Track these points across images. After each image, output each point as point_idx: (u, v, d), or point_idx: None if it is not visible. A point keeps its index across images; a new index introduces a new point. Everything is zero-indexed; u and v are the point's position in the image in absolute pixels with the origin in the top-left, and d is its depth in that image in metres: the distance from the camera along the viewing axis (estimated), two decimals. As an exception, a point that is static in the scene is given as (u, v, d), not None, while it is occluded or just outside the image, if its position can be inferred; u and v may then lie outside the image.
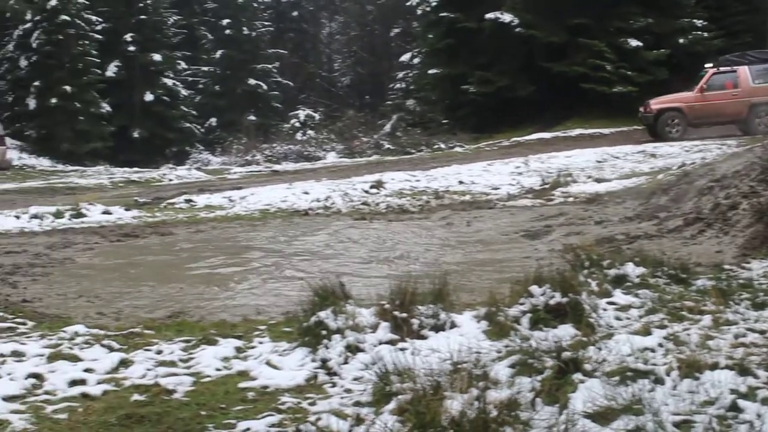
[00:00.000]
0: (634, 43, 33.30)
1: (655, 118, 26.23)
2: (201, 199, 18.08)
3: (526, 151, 25.38)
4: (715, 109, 25.71)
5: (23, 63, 40.25)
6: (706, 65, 27.44)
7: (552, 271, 7.33)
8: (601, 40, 32.79)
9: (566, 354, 5.38)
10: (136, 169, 32.84)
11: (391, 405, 5.00)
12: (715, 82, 26.19)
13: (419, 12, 41.76)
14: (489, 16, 33.91)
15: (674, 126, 26.09)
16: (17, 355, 6.75)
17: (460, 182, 18.40)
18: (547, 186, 17.07)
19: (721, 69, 26.32)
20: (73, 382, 6.09)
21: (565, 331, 6.26)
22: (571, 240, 10.99)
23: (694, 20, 34.80)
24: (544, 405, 4.92)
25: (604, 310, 6.98)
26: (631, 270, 7.96)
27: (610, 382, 5.07)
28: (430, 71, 38.82)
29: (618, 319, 6.86)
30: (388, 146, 33.44)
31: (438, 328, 6.67)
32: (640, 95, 32.25)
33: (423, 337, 6.50)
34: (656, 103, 26.55)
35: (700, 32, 34.62)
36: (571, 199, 15.48)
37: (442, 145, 32.28)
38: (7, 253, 12.05)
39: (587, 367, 5.30)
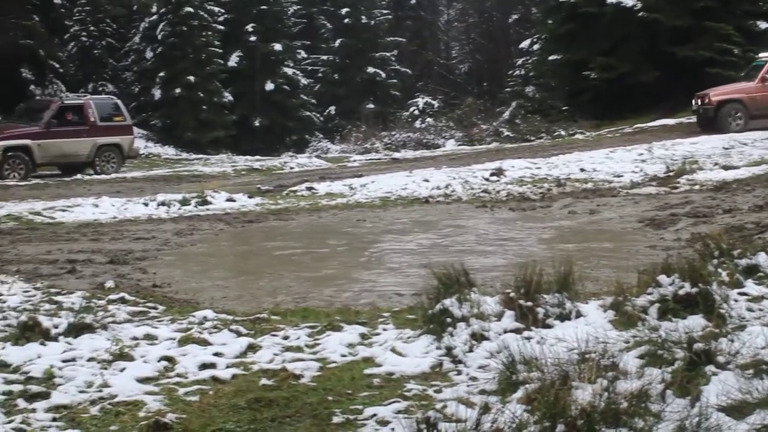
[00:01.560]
0: (763, 25, 32.27)
1: (715, 111, 25.13)
2: (322, 187, 18.27)
3: (649, 137, 24.87)
4: None
5: (149, 54, 41.32)
6: (761, 54, 26.39)
7: (680, 261, 7.16)
8: (728, 23, 31.88)
9: (698, 345, 5.25)
10: (257, 157, 33.38)
11: (518, 394, 4.97)
12: None
13: (538, -2, 41.43)
14: (611, 0, 33.32)
15: (736, 119, 25.03)
16: (150, 338, 6.96)
17: (582, 170, 18.15)
18: (671, 173, 16.69)
19: None
20: (203, 366, 6.24)
21: (696, 322, 6.11)
22: (698, 229, 10.74)
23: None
24: (675, 397, 4.82)
25: (736, 301, 6.79)
26: (764, 260, 7.73)
27: (744, 375, 4.94)
28: (550, 57, 38.37)
29: (750, 310, 6.68)
30: (507, 133, 33.22)
31: (563, 317, 6.61)
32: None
33: (548, 326, 6.45)
34: (716, 95, 25.42)
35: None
36: (697, 187, 15.12)
37: (563, 132, 31.90)
38: (136, 239, 12.40)
39: (720, 359, 5.17)
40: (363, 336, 6.87)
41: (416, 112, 40.88)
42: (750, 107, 25.01)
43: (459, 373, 5.91)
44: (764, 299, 6.88)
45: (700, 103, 25.92)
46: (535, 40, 45.02)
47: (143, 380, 5.94)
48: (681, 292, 6.58)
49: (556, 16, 37.77)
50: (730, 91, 25.58)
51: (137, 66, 42.67)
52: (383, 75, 49.75)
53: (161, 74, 40.17)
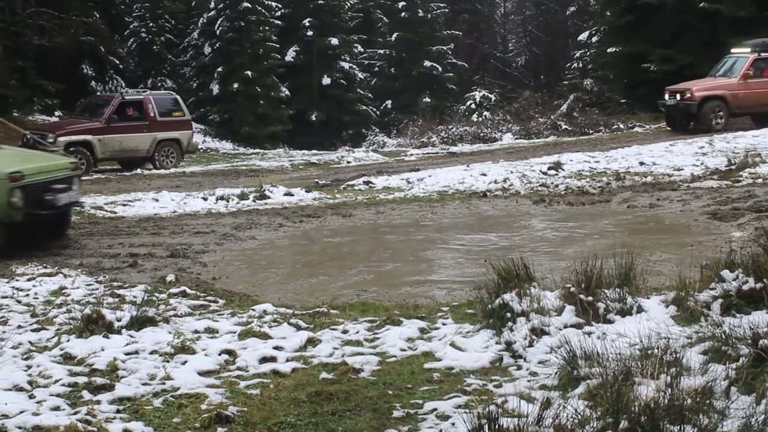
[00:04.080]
0: (826, 14, 31.66)
1: (698, 107, 24.33)
2: (379, 181, 18.27)
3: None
4: (756, 97, 23.97)
5: (207, 50, 41.66)
6: (734, 50, 25.64)
7: (744, 256, 7.05)
8: (791, 13, 31.32)
9: (763, 341, 5.17)
10: (314, 151, 33.49)
11: (580, 389, 4.94)
12: (756, 69, 24.39)
13: (597, -10, 41.02)
14: (671, -9, 32.91)
15: (718, 116, 24.27)
16: (210, 331, 7.04)
17: (641, 163, 17.93)
18: (733, 167, 16.42)
19: (762, 54, 24.46)
20: (264, 359, 6.31)
21: (761, 318, 5.99)
22: (762, 223, 10.56)
23: None
24: (740, 394, 4.75)
25: (802, 296, 6.67)
26: (831, 254, 7.58)
27: (811, 372, 4.85)
28: (608, 50, 37.96)
29: (817, 305, 6.55)
30: (565, 127, 32.94)
31: (624, 313, 6.56)
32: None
33: (609, 321, 6.40)
34: (699, 90, 24.57)
35: None
36: (760, 181, 14.86)
37: (621, 125, 31.57)
38: (196, 233, 12.52)
39: (786, 355, 5.09)
40: (422, 330, 6.88)
41: (473, 105, 40.69)
42: (732, 104, 24.33)
43: (519, 368, 5.89)
44: (831, 295, 6.74)
45: (679, 98, 25.08)
46: (593, 32, 44.61)
47: (204, 373, 6.02)
48: (745, 287, 6.48)
49: (615, 8, 37.36)
50: (712, 87, 24.81)
51: (195, 61, 43.05)
52: (440, 69, 49.65)
53: (219, 69, 40.47)
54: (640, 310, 6.63)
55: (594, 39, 43.90)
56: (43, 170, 11.48)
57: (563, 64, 51.44)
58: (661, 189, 14.88)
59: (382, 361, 6.18)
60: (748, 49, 25.07)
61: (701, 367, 5.14)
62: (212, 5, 41.39)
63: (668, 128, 26.60)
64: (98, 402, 5.49)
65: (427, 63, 49.12)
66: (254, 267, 10.38)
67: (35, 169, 11.34)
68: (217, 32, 40.80)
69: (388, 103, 48.32)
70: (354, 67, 45.99)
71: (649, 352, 5.24)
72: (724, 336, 5.53)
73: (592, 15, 46.45)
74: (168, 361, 6.23)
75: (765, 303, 6.32)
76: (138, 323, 6.97)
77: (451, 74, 50.84)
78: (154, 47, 42.75)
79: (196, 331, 6.98)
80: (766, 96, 24.06)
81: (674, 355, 5.19)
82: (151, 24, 42.96)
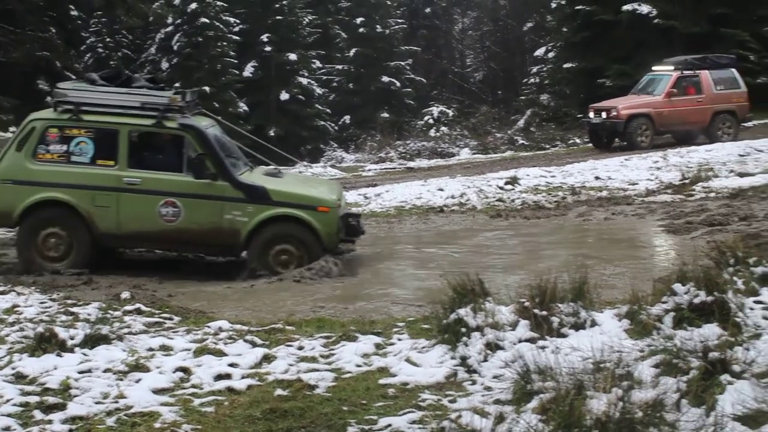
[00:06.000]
0: (778, 31, 32.18)
1: (624, 125, 24.19)
2: (337, 197, 18.24)
3: (662, 145, 24.75)
4: (681, 116, 24.10)
5: (165, 65, 41.46)
6: (656, 67, 25.91)
7: (696, 269, 7.14)
8: (744, 30, 31.75)
9: (713, 354, 5.25)
10: (272, 167, 33.36)
11: (533, 404, 4.97)
12: (679, 87, 24.54)
13: (554, 5, 41.20)
14: (626, 7, 33.17)
15: (644, 133, 24.22)
16: (165, 349, 7.00)
17: (597, 178, 18.08)
18: (687, 181, 16.61)
19: (685, 73, 24.64)
20: (219, 376, 6.29)
21: (711, 331, 6.08)
22: (714, 237, 10.70)
23: None
24: (690, 407, 4.82)
25: (751, 309, 6.77)
26: (780, 268, 7.70)
27: (760, 384, 4.92)
28: (565, 65, 38.27)
29: (766, 318, 6.65)
30: (522, 142, 33.09)
31: (578, 327, 6.61)
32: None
33: (563, 336, 6.45)
34: (625, 108, 24.51)
35: None
36: (712, 195, 15.05)
37: (578, 140, 31.76)
38: (153, 250, 12.41)
39: (735, 368, 5.16)
40: (378, 346, 6.89)
41: (431, 120, 40.78)
42: (657, 122, 24.31)
43: (473, 382, 5.92)
44: (780, 307, 6.85)
45: (605, 116, 24.98)
46: (550, 47, 44.94)
47: (159, 391, 5.98)
48: (696, 300, 6.56)
49: (571, 24, 37.70)
50: (638, 105, 24.74)
51: (153, 76, 42.83)
52: (398, 84, 49.75)
53: (177, 85, 40.26)
54: (593, 324, 6.68)
55: (551, 54, 44.22)
56: (341, 196, 11.56)
57: (520, 80, 51.79)
58: (616, 203, 15.02)
59: (337, 377, 6.18)
60: (671, 67, 25.28)
61: (653, 380, 5.20)
62: (170, 20, 41.23)
63: (592, 146, 26.60)
64: (50, 422, 5.43)
65: (385, 78, 49.21)
66: (211, 283, 10.33)
67: (340, 195, 11.44)
68: (175, 47, 40.63)
69: (347, 118, 48.32)
70: (312, 82, 45.96)
71: (602, 365, 5.29)
72: (675, 349, 5.60)
73: (548, 31, 46.79)
74: (122, 379, 6.18)
75: (716, 316, 6.41)
76: (92, 341, 6.90)
77: (409, 89, 50.97)
78: (111, 62, 42.46)
79: (150, 349, 6.94)
80: (689, 114, 24.24)
81: (626, 369, 5.24)
82: (108, 39, 42.70)
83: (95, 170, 10.58)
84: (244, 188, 10.62)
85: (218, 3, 41.01)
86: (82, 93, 10.80)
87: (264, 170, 11.69)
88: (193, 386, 6.11)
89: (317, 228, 10.53)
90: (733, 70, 25.31)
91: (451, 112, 41.54)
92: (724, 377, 5.04)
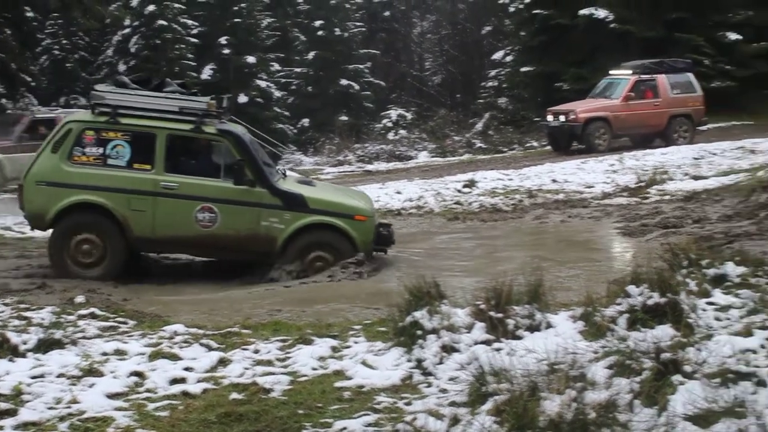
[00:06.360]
0: (733, 36, 32.53)
1: (582, 128, 24.49)
2: (295, 200, 18.20)
3: (619, 148, 24.97)
4: (638, 119, 24.45)
5: (122, 67, 41.11)
6: (613, 71, 26.27)
7: (649, 271, 7.21)
8: (699, 35, 32.13)
9: (665, 355, 5.30)
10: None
11: (488, 405, 4.99)
12: (637, 91, 24.94)
13: (512, 9, 41.38)
14: (583, 12, 33.45)
15: (601, 137, 24.54)
16: (120, 353, 6.93)
17: (554, 180, 18.21)
18: (642, 184, 16.79)
19: (642, 77, 25.03)
20: (174, 381, 6.24)
21: (664, 332, 6.15)
22: (668, 239, 10.81)
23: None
24: (643, 407, 4.86)
25: (704, 310, 6.85)
26: (731, 269, 7.80)
27: (710, 384, 4.98)
28: (522, 69, 38.49)
29: (718, 319, 6.73)
30: (480, 145, 33.24)
31: (533, 329, 6.64)
32: (739, 90, 31.53)
33: (518, 338, 6.48)
34: (583, 112, 24.83)
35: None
36: (667, 197, 15.22)
37: (535, 143, 31.96)
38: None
39: (687, 368, 5.22)
40: (334, 349, 6.88)
41: (389, 124, 40.85)
42: (614, 125, 24.61)
43: (429, 385, 5.93)
44: (731, 308, 6.94)
45: (563, 119, 25.23)
46: (508, 51, 45.16)
47: (112, 396, 5.92)
48: (650, 302, 6.62)
49: (529, 28, 37.92)
50: (595, 109, 25.04)
51: (110, 79, 42.45)
52: (357, 87, 49.76)
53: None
54: (549, 326, 6.72)
55: (508, 58, 44.44)
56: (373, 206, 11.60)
57: (478, 83, 51.94)
58: (573, 206, 15.14)
59: (293, 381, 6.16)
60: (629, 71, 25.55)
61: (606, 381, 5.23)
62: (127, 23, 40.93)
63: (550, 149, 26.73)
64: (1, 428, 5.36)
65: (344, 81, 49.19)
66: (168, 287, 10.28)
67: (372, 205, 11.50)
68: (132, 50, 40.34)
69: (305, 121, 48.24)
70: (271, 85, 45.85)
71: (556, 367, 5.33)
72: (628, 350, 5.65)
73: (506, 35, 47.00)
74: (75, 384, 6.11)
75: (669, 317, 6.48)
76: (45, 346, 6.82)
77: (368, 93, 50.99)
78: (68, 65, 42.08)
79: (104, 353, 6.87)
80: (646, 118, 24.50)
81: (580, 370, 5.28)
82: (64, 41, 42.30)
83: (132, 174, 10.52)
84: (282, 195, 10.62)
85: (176, 5, 40.79)
86: (120, 96, 10.71)
87: (296, 178, 11.69)
88: (148, 390, 6.06)
89: (354, 236, 10.59)
90: (690, 74, 25.64)
91: (409, 116, 41.66)
92: (676, 378, 5.09)
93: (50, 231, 10.80)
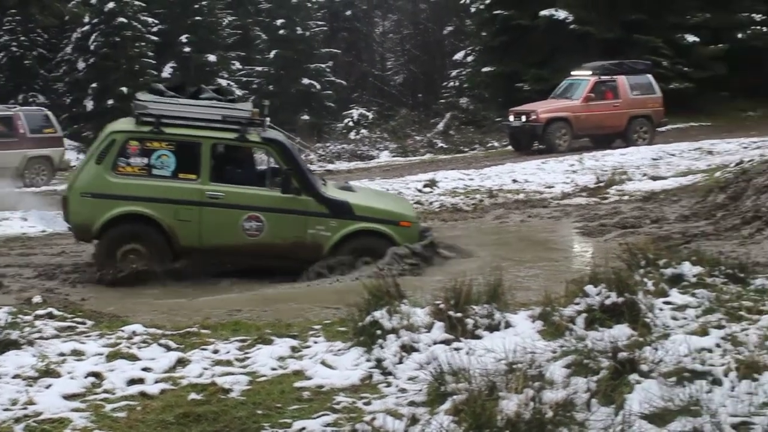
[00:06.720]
0: (690, 38, 32.90)
1: (543, 128, 24.77)
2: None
3: (579, 149, 25.16)
4: (598, 120, 24.74)
5: (81, 65, 40.80)
6: (574, 72, 26.61)
7: (608, 271, 7.27)
8: (657, 36, 32.45)
9: (622, 354, 5.34)
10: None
11: (446, 405, 5.00)
12: (597, 92, 25.25)
13: (473, 10, 41.52)
14: (543, 13, 33.69)
15: (562, 137, 24.86)
16: (77, 354, 6.85)
17: (514, 180, 18.31)
18: (602, 184, 16.94)
19: (602, 78, 25.36)
20: (132, 381, 6.18)
21: (621, 332, 6.21)
22: (626, 239, 10.90)
23: (753, 14, 34.26)
24: (600, 406, 4.89)
25: (661, 310, 6.91)
26: (688, 269, 7.88)
27: (666, 383, 5.03)
28: (483, 69, 38.65)
29: (674, 319, 6.80)
30: (441, 145, 33.31)
31: (493, 328, 6.66)
32: (697, 91, 31.88)
33: (478, 337, 6.50)
34: (544, 112, 25.10)
35: (758, 27, 34.09)
36: (626, 198, 15.36)
37: (496, 143, 32.09)
38: (67, 253, 12.23)
39: (643, 367, 5.26)
40: (293, 349, 6.86)
41: (351, 123, 40.86)
42: (575, 126, 24.86)
43: (388, 385, 5.93)
44: (688, 308, 7.01)
45: (525, 119, 25.43)
46: (469, 51, 45.35)
47: (69, 397, 5.86)
48: (607, 301, 6.67)
49: (490, 28, 38.10)
50: (556, 109, 25.27)
51: (69, 77, 42.09)
52: (318, 86, 49.72)
53: (93, 85, 39.70)
54: (508, 325, 6.75)
55: (470, 58, 44.62)
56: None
57: (440, 83, 52.09)
58: (533, 206, 15.23)
59: (252, 381, 6.14)
60: (589, 72, 25.76)
61: (564, 381, 5.27)
62: (86, 20, 40.59)
63: (511, 149, 26.86)
64: (-44, 429, 5.31)
65: (305, 80, 49.14)
66: (128, 287, 10.20)
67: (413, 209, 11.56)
68: (92, 47, 40.03)
69: (267, 120, 48.15)
70: (232, 83, 45.62)
71: (515, 366, 5.35)
72: (586, 350, 5.69)
73: (468, 35, 47.18)
74: (31, 386, 6.03)
75: (626, 317, 6.53)
76: (1, 347, 6.75)
77: (330, 92, 50.98)
78: (26, 62, 41.63)
79: (61, 354, 6.80)
80: (606, 118, 24.71)
81: (538, 369, 5.32)
82: (22, 38, 41.81)
83: (177, 184, 10.45)
84: (328, 203, 10.62)
85: (136, 3, 40.52)
86: (163, 105, 10.62)
87: (336, 184, 11.65)
88: (105, 391, 6.01)
89: (399, 242, 10.59)
90: (649, 75, 25.91)
91: (371, 115, 41.67)
92: (633, 377, 5.13)
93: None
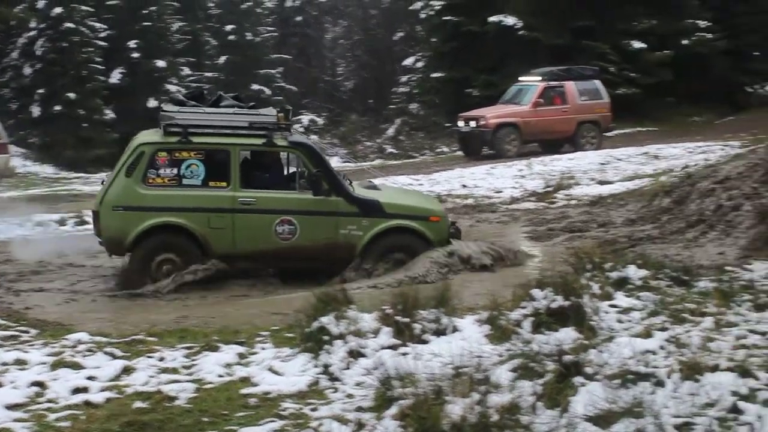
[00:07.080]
0: (637, 45, 33.20)
1: (492, 134, 24.75)
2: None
3: (528, 154, 25.32)
4: (546, 125, 24.87)
5: (27, 71, 40.23)
6: (522, 78, 26.83)
7: (554, 275, 7.33)
8: (604, 42, 32.73)
9: (567, 357, 5.39)
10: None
11: (393, 410, 5.01)
12: (546, 97, 25.37)
13: (423, 16, 41.61)
14: (492, 19, 33.81)
15: (511, 142, 24.81)
16: (20, 363, 6.76)
17: (463, 186, 18.36)
18: (550, 189, 17.04)
19: (551, 83, 25.52)
20: (76, 390, 6.13)
21: (567, 335, 6.27)
22: (573, 243, 11.00)
23: (698, 21, 34.70)
24: (546, 409, 4.94)
25: (606, 312, 6.99)
26: (633, 272, 7.97)
27: (611, 385, 5.08)
28: (433, 75, 38.73)
29: (619, 321, 6.88)
30: (391, 150, 33.39)
31: (440, 333, 6.70)
32: (644, 97, 32.21)
33: (425, 342, 6.52)
34: (493, 118, 25.09)
35: (704, 33, 34.54)
36: (574, 202, 15.47)
37: (446, 149, 32.19)
38: (9, 261, 12.06)
39: (588, 370, 5.32)
40: (240, 356, 6.83)
41: (301, 129, 40.81)
42: (524, 131, 24.93)
43: (336, 390, 5.93)
44: (633, 311, 7.10)
45: (474, 124, 25.42)
46: (419, 57, 45.42)
47: (12, 407, 5.80)
48: (553, 305, 6.74)
49: (440, 35, 38.18)
50: (505, 115, 25.32)
51: (15, 83, 41.53)
52: (268, 92, 49.46)
53: (40, 91, 39.14)
54: (455, 330, 6.79)
55: (420, 64, 44.67)
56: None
57: (390, 89, 52.16)
58: (481, 211, 15.29)
59: (198, 388, 6.10)
60: (538, 78, 25.93)
61: (510, 384, 5.30)
62: (33, 25, 40.05)
63: (460, 154, 26.92)
64: None
65: (255, 86, 48.89)
66: (69, 296, 10.09)
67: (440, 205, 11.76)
68: (38, 53, 39.46)
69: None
70: (181, 89, 45.35)
71: (461, 371, 5.38)
72: (532, 353, 5.73)
73: (418, 41, 47.28)
74: (-27, 396, 5.96)
75: (572, 320, 6.59)
76: (-58, 356, 6.65)
77: (280, 98, 50.72)
78: (-30, 67, 41.06)
79: (4, 363, 6.70)
80: (554, 124, 24.86)
81: (485, 373, 5.35)
82: (-34, 43, 41.25)
83: (209, 192, 10.38)
84: (359, 202, 10.63)
85: (84, 8, 40.06)
86: (189, 115, 10.55)
87: (360, 183, 11.59)
88: (49, 401, 5.94)
89: (430, 237, 10.67)
90: (597, 81, 26.11)
91: (321, 121, 41.65)
92: (578, 379, 5.19)
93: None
